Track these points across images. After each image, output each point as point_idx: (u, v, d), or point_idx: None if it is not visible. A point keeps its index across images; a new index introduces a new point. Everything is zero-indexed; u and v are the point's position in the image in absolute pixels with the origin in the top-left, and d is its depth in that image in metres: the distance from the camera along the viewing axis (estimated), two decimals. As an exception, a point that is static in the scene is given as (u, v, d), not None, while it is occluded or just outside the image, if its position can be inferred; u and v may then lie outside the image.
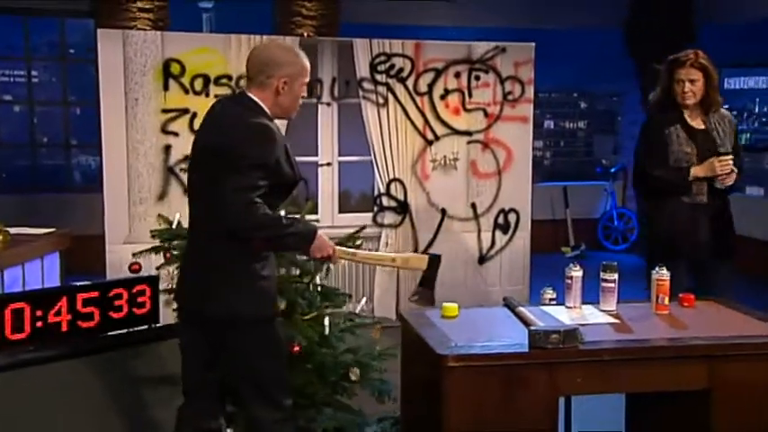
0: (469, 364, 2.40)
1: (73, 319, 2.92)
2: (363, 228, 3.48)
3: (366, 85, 5.52)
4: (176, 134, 5.08)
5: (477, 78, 5.72)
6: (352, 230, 3.32)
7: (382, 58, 5.52)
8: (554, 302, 3.01)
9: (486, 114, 5.75)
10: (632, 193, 9.02)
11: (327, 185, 5.67)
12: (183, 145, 4.90)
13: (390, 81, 5.54)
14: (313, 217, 3.39)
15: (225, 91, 5.06)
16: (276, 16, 7.34)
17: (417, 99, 5.61)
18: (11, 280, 4.04)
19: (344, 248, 2.69)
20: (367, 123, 5.56)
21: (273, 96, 2.53)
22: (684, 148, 3.66)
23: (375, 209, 5.67)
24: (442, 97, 5.66)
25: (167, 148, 5.10)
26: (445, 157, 5.71)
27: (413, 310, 2.93)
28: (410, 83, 5.59)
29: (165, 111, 5.09)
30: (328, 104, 5.61)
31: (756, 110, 8.25)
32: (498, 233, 5.85)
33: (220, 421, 2.71)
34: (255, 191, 2.37)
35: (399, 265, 2.84)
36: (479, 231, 5.81)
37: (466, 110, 5.71)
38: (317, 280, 3.17)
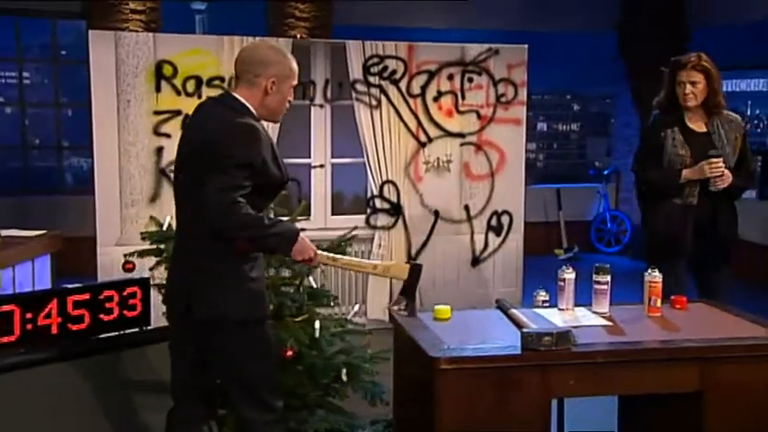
0: (462, 366, 2.40)
1: (63, 322, 2.89)
2: (354, 228, 3.47)
3: (359, 86, 5.51)
4: (168, 136, 5.06)
5: (471, 80, 5.72)
6: (344, 232, 3.31)
7: (375, 59, 5.52)
8: (547, 304, 3.01)
9: (479, 116, 5.75)
10: (625, 196, 9.06)
11: (320, 187, 5.66)
12: (175, 147, 4.86)
13: (383, 83, 5.54)
14: (305, 219, 3.37)
15: (217, 92, 5.02)
16: (269, 18, 7.34)
17: (410, 101, 5.61)
18: (1, 282, 4.01)
19: (326, 253, 2.68)
20: (360, 125, 5.55)
21: (261, 96, 2.52)
22: (678, 151, 3.67)
23: (368, 211, 5.66)
24: (435, 99, 5.66)
25: (159, 150, 5.08)
26: (438, 159, 5.71)
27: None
28: (403, 85, 5.58)
29: (157, 112, 5.07)
30: (321, 106, 5.60)
31: (749, 112, 8.30)
32: (491, 235, 5.85)
33: (211, 425, 2.69)
34: (239, 190, 2.36)
35: (380, 272, 2.83)
36: (472, 233, 5.81)
37: (459, 112, 5.71)
38: (307, 282, 3.17)
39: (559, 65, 8.21)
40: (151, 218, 3.47)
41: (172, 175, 4.89)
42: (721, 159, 3.60)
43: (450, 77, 5.68)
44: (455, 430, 2.39)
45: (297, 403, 3.05)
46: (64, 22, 7.89)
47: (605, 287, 2.92)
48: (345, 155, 5.70)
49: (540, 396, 2.44)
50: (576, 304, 2.97)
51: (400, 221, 5.66)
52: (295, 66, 2.59)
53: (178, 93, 5.10)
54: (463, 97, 5.71)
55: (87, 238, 5.14)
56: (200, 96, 5.08)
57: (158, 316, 2.97)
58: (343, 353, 3.18)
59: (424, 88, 5.63)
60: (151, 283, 3.12)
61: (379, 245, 5.62)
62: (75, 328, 2.92)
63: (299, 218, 3.28)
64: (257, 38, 5.24)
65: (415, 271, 2.73)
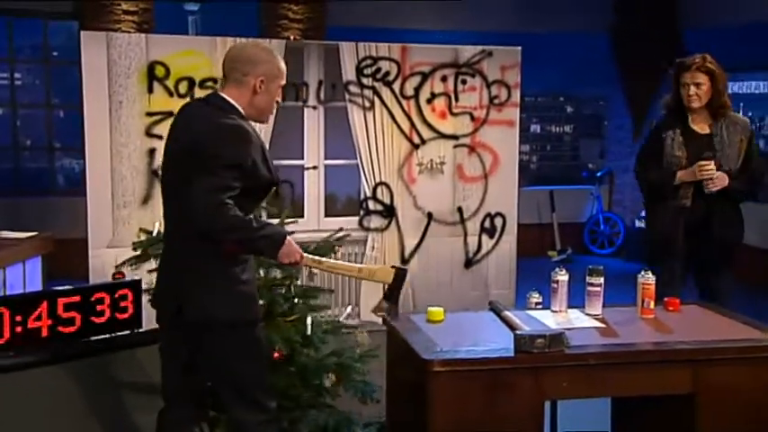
0: (455, 368, 2.39)
1: (54, 325, 2.88)
2: (340, 230, 3.44)
3: (352, 88, 5.50)
4: (160, 137, 5.03)
5: (464, 82, 5.72)
6: (332, 234, 3.30)
7: (368, 61, 5.51)
8: (540, 306, 3.01)
9: (472, 118, 5.75)
10: (618, 197, 9.07)
11: (313, 189, 5.65)
12: (168, 148, 4.86)
13: (377, 85, 5.53)
14: (294, 223, 3.36)
15: (210, 94, 5.03)
16: (262, 19, 7.32)
17: (404, 103, 5.60)
18: (-8, 284, 3.99)
19: (312, 256, 2.66)
20: (353, 127, 5.54)
21: (250, 95, 2.50)
22: (675, 152, 3.68)
23: (361, 213, 5.65)
24: (429, 101, 5.65)
25: (151, 152, 5.05)
26: (432, 160, 5.70)
27: (399, 313, 2.91)
28: (396, 86, 5.58)
29: (149, 114, 5.05)
30: (314, 108, 5.59)
31: (740, 114, 8.30)
32: (485, 237, 5.85)
33: (202, 426, 2.68)
34: (227, 192, 2.34)
35: (365, 276, 2.83)
36: (466, 235, 5.81)
37: (452, 114, 5.71)
38: (299, 281, 3.16)
39: (553, 67, 8.21)
40: (141, 230, 3.44)
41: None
42: (712, 162, 3.60)
43: (444, 79, 5.67)
44: (448, 432, 2.39)
45: (289, 404, 3.04)
46: (55, 23, 7.85)
47: (598, 289, 2.93)
48: (339, 156, 5.69)
49: (533, 398, 2.44)
50: (570, 306, 2.97)
51: (393, 223, 5.65)
52: (283, 65, 2.57)
53: (170, 94, 5.08)
54: (456, 99, 5.71)
55: (79, 240, 5.11)
56: (192, 98, 5.05)
57: (150, 318, 2.95)
58: (335, 354, 3.17)
59: (417, 90, 5.62)
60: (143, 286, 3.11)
61: (373, 247, 5.61)
62: (65, 330, 2.91)
63: (287, 221, 3.26)
64: (251, 39, 5.24)
65: (400, 275, 2.72)
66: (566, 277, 2.95)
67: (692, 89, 3.64)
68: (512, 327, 2.68)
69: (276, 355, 2.92)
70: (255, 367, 2.55)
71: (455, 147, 5.74)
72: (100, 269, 4.78)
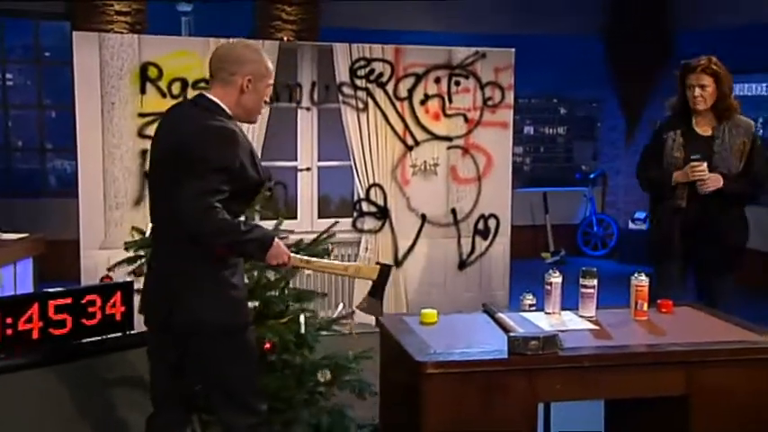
0: (448, 370, 2.39)
1: (44, 327, 2.86)
2: (330, 229, 3.41)
3: (346, 89, 5.50)
4: (153, 138, 5.02)
5: (458, 84, 5.72)
6: (325, 234, 3.29)
7: (362, 62, 5.50)
8: (533, 308, 3.00)
9: (466, 120, 5.75)
10: (611, 199, 9.08)
11: (307, 190, 5.64)
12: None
13: (370, 86, 5.53)
14: (293, 222, 3.35)
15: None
16: (256, 20, 7.30)
17: (397, 104, 5.60)
18: (-18, 286, 3.97)
19: (299, 256, 2.66)
20: (347, 128, 5.54)
21: (237, 95, 2.47)
22: (674, 153, 3.69)
23: (355, 214, 5.64)
24: (422, 102, 5.65)
25: (144, 153, 5.03)
26: (425, 162, 5.70)
27: (393, 315, 2.90)
28: (390, 88, 5.57)
29: (141, 115, 5.03)
30: (308, 109, 5.58)
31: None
32: (478, 239, 5.85)
33: (191, 429, 2.66)
34: (215, 195, 2.32)
35: (351, 274, 2.84)
36: (459, 237, 5.81)
37: (446, 115, 5.71)
38: (292, 284, 3.15)
39: (546, 68, 8.21)
40: (133, 228, 3.41)
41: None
42: (704, 164, 3.60)
43: (438, 80, 5.67)
44: (441, 435, 2.38)
45: (282, 406, 3.02)
46: (47, 23, 7.81)
47: (592, 291, 2.93)
48: (332, 158, 5.68)
49: (526, 400, 2.44)
50: (563, 308, 2.97)
51: (387, 225, 5.65)
52: (271, 65, 2.54)
53: (163, 95, 5.06)
54: (450, 100, 5.71)
55: (70, 242, 5.09)
56: (185, 99, 5.04)
57: (141, 320, 2.94)
58: (327, 358, 3.16)
59: (411, 91, 5.62)
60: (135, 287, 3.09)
61: (366, 248, 5.60)
62: (56, 332, 2.89)
63: (281, 228, 3.25)
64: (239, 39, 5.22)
65: (384, 271, 2.73)
66: (559, 279, 2.94)
67: (697, 91, 3.64)
68: (505, 329, 2.67)
69: (267, 346, 2.90)
70: (245, 371, 2.53)
71: (449, 148, 5.74)
72: (92, 271, 4.76)
